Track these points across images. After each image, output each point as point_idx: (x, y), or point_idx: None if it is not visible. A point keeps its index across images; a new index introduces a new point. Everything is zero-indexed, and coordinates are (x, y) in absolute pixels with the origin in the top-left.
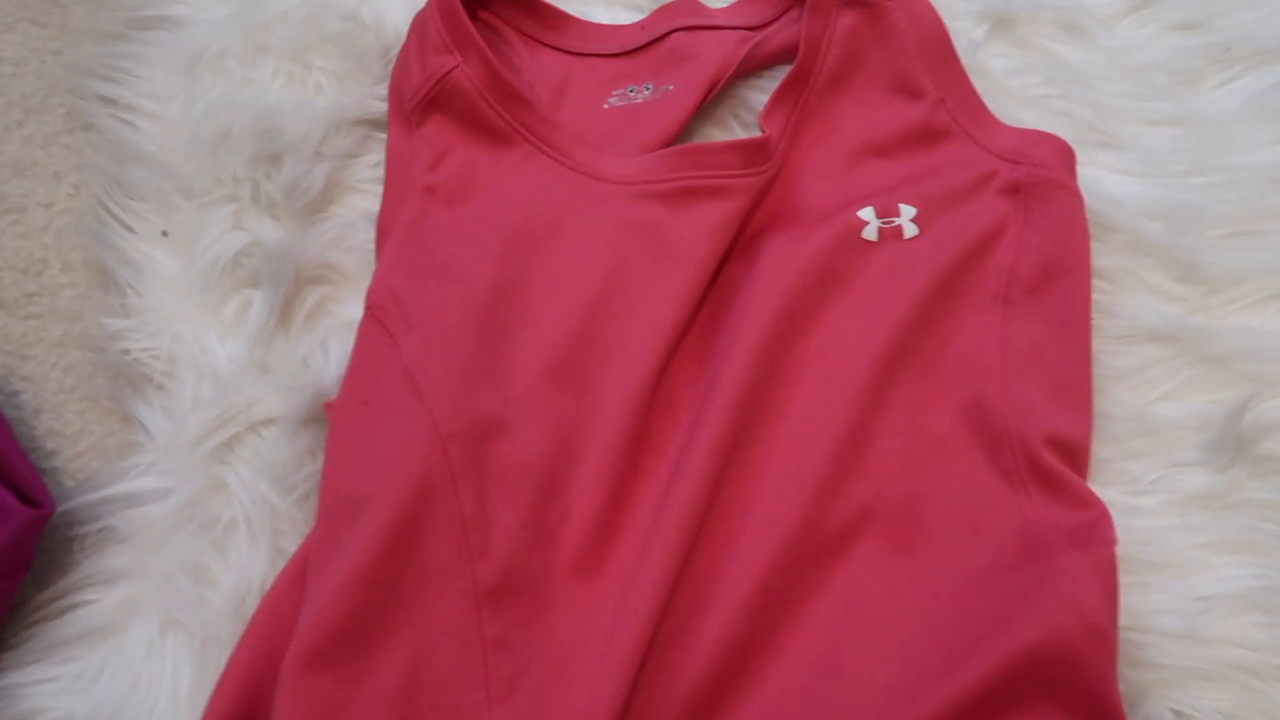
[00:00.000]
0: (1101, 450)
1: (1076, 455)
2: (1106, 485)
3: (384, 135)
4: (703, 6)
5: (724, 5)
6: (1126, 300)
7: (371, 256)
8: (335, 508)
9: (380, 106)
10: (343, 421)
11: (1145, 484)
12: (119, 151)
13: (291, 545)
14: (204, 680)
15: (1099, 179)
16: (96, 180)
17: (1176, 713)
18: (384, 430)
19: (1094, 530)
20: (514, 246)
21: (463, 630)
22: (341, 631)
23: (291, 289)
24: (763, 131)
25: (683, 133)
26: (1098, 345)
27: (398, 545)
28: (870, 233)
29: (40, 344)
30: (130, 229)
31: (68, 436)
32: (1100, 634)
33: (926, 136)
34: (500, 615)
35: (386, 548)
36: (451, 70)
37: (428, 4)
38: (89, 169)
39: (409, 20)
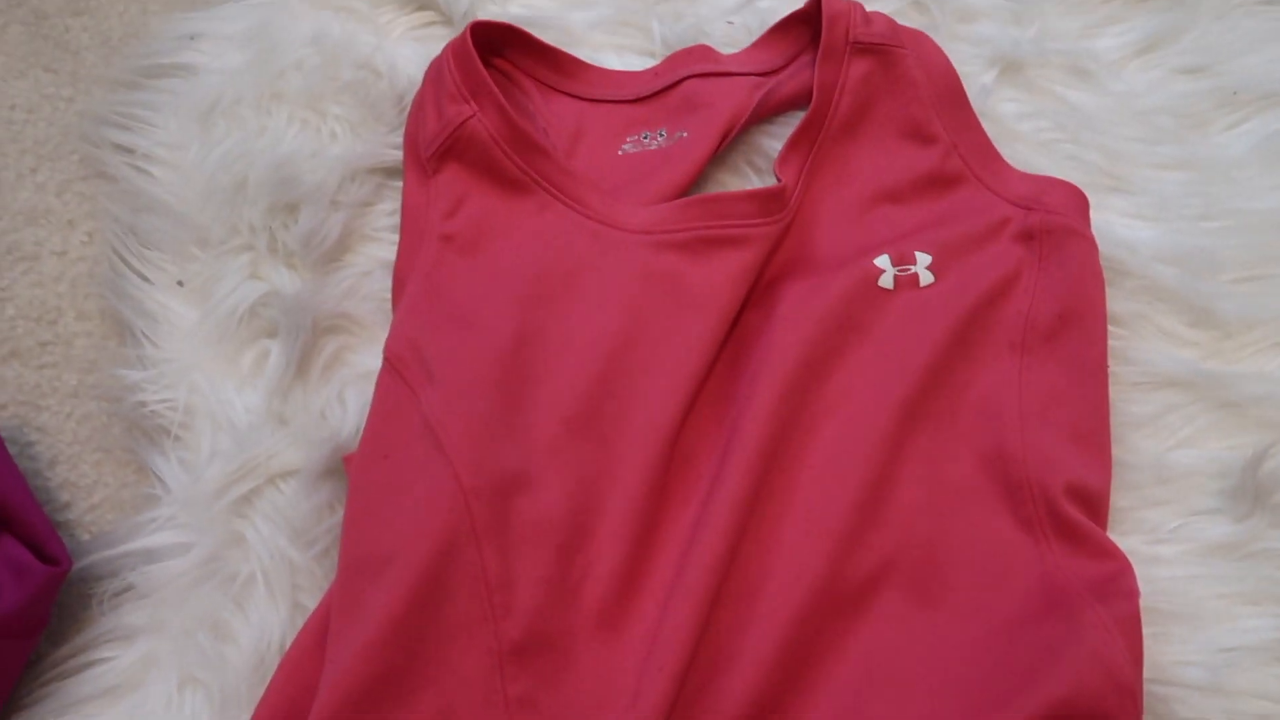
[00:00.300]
0: (1120, 498)
1: (1097, 505)
2: (1126, 534)
3: (399, 183)
4: (715, 53)
5: (735, 51)
6: (1141, 346)
7: (388, 305)
8: (357, 565)
9: (395, 154)
10: (363, 476)
11: (1165, 533)
12: (134, 200)
13: (310, 601)
14: None
15: (1111, 223)
16: (111, 229)
17: None
18: (405, 485)
19: (1117, 583)
20: (532, 296)
21: (486, 690)
22: (365, 693)
23: (309, 339)
24: (778, 179)
25: (698, 179)
26: (1114, 392)
27: (421, 604)
28: (886, 280)
29: (55, 394)
30: (146, 279)
31: (83, 488)
32: (1127, 691)
33: (940, 182)
34: (524, 674)
35: (410, 607)
36: (468, 119)
37: (443, 52)
38: (103, 217)
39: (422, 68)
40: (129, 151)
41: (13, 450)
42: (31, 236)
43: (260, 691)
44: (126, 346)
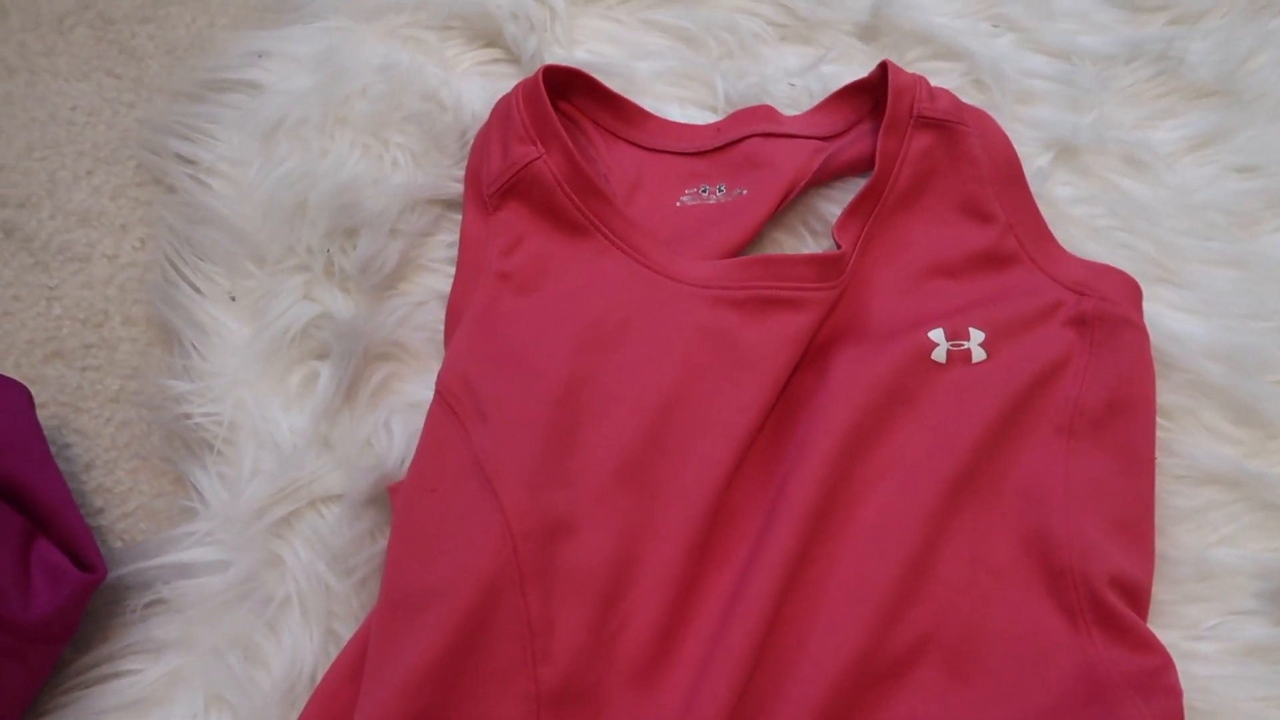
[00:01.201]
0: (1161, 592)
1: (1138, 597)
2: (1165, 629)
3: (457, 216)
4: (778, 114)
5: (796, 113)
6: (1186, 440)
7: (439, 337)
8: (399, 600)
9: (455, 187)
10: (409, 508)
11: (1204, 629)
12: (191, 212)
13: (345, 629)
14: None
15: (1160, 314)
16: (166, 238)
17: None
18: (452, 522)
19: (1160, 678)
20: (587, 341)
21: None
22: None
23: (359, 365)
24: (836, 244)
25: (755, 238)
26: (1158, 484)
27: (462, 645)
28: (940, 354)
29: (96, 397)
30: (198, 290)
31: (117, 495)
32: None
33: (994, 261)
34: None
35: (450, 647)
36: (533, 160)
37: (513, 91)
38: (158, 225)
39: (487, 104)
40: (190, 163)
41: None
42: (84, 238)
43: (289, 717)
44: (173, 356)
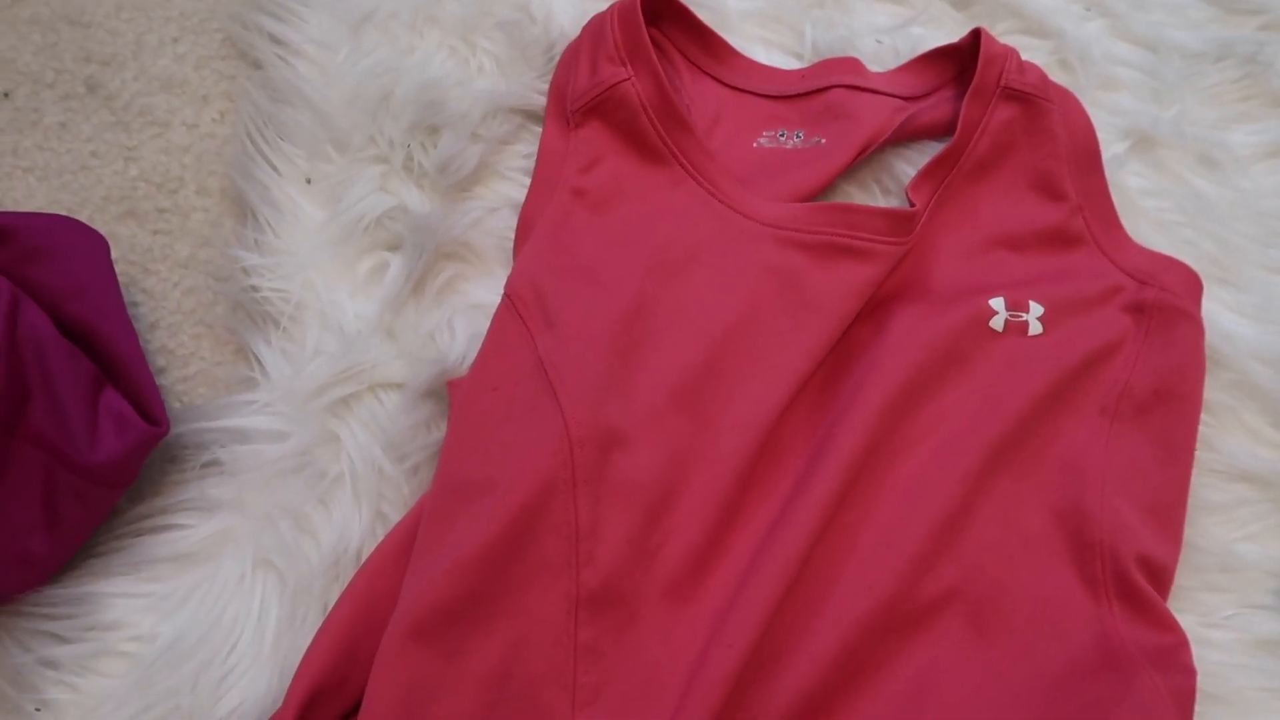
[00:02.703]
0: (1183, 577)
1: (1162, 579)
2: (1183, 612)
3: (537, 127)
4: (864, 68)
5: (881, 70)
6: (1225, 437)
7: (508, 243)
8: (454, 487)
9: (538, 100)
10: (469, 403)
11: (1219, 618)
12: (275, 90)
13: (394, 512)
14: (291, 628)
15: (1214, 313)
16: (248, 113)
17: None
18: (512, 421)
19: (1175, 656)
20: (655, 266)
21: (558, 631)
22: (448, 610)
23: (429, 261)
24: (910, 203)
25: (828, 188)
26: (1194, 476)
27: (513, 538)
28: (997, 323)
29: (166, 260)
30: (276, 169)
31: (179, 357)
32: None
33: (1061, 240)
34: (594, 623)
35: (502, 538)
36: (622, 82)
37: (608, 11)
38: (241, 99)
39: (576, 21)
40: (278, 41)
41: None
42: (165, 103)
43: (333, 590)
44: (246, 230)
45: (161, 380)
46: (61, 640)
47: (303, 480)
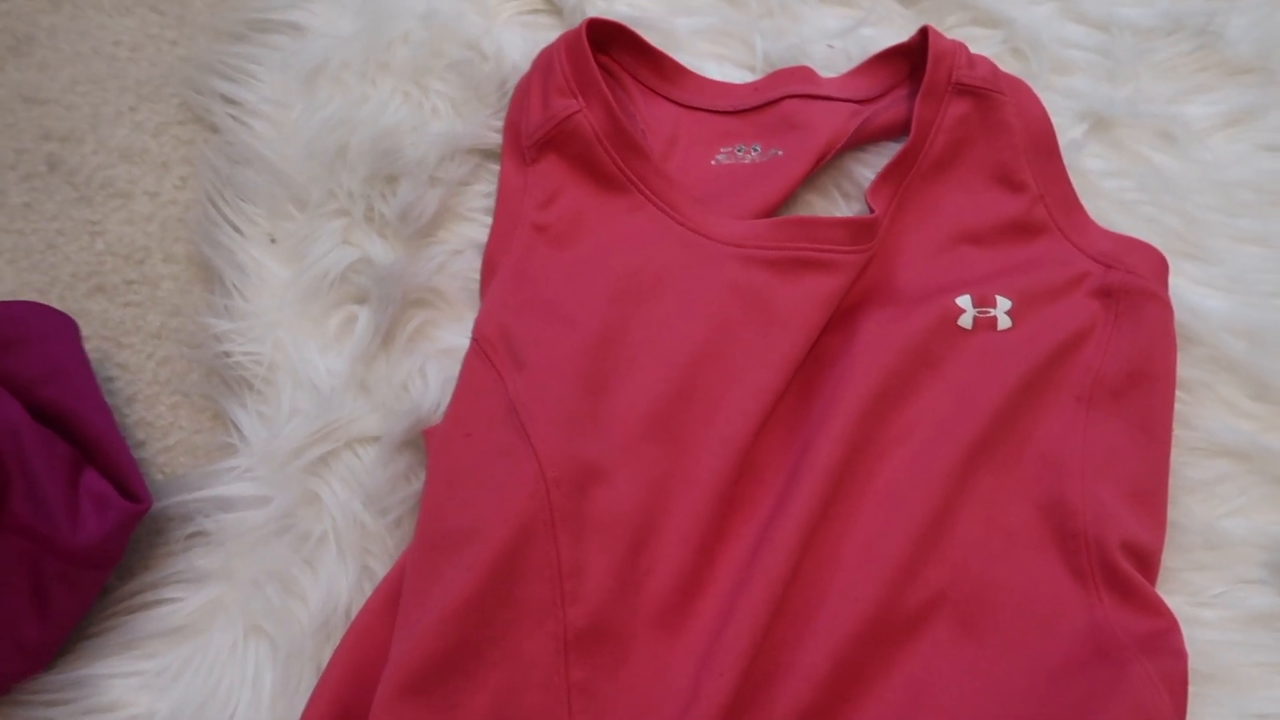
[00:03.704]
0: (1169, 559)
1: (1149, 563)
2: (1171, 594)
3: (495, 166)
4: (816, 76)
5: (833, 75)
6: (1203, 413)
7: (475, 285)
8: (435, 539)
9: (494, 137)
10: (444, 451)
11: (1209, 596)
12: (233, 151)
13: (380, 566)
14: (286, 692)
15: (1183, 289)
16: (208, 177)
17: None
18: (487, 466)
19: (1165, 640)
20: (621, 295)
21: (548, 673)
22: (436, 664)
23: (397, 310)
24: (870, 208)
25: (788, 199)
26: (1173, 455)
27: (495, 585)
28: (966, 320)
29: (138, 333)
30: (239, 231)
31: (158, 429)
32: None
33: (1023, 230)
34: (585, 661)
35: (485, 585)
36: (574, 114)
37: (555, 43)
38: (200, 164)
39: (527, 55)
40: (232, 103)
41: None
42: (126, 174)
43: (324, 650)
44: (214, 295)
45: (142, 453)
46: None
47: (287, 543)
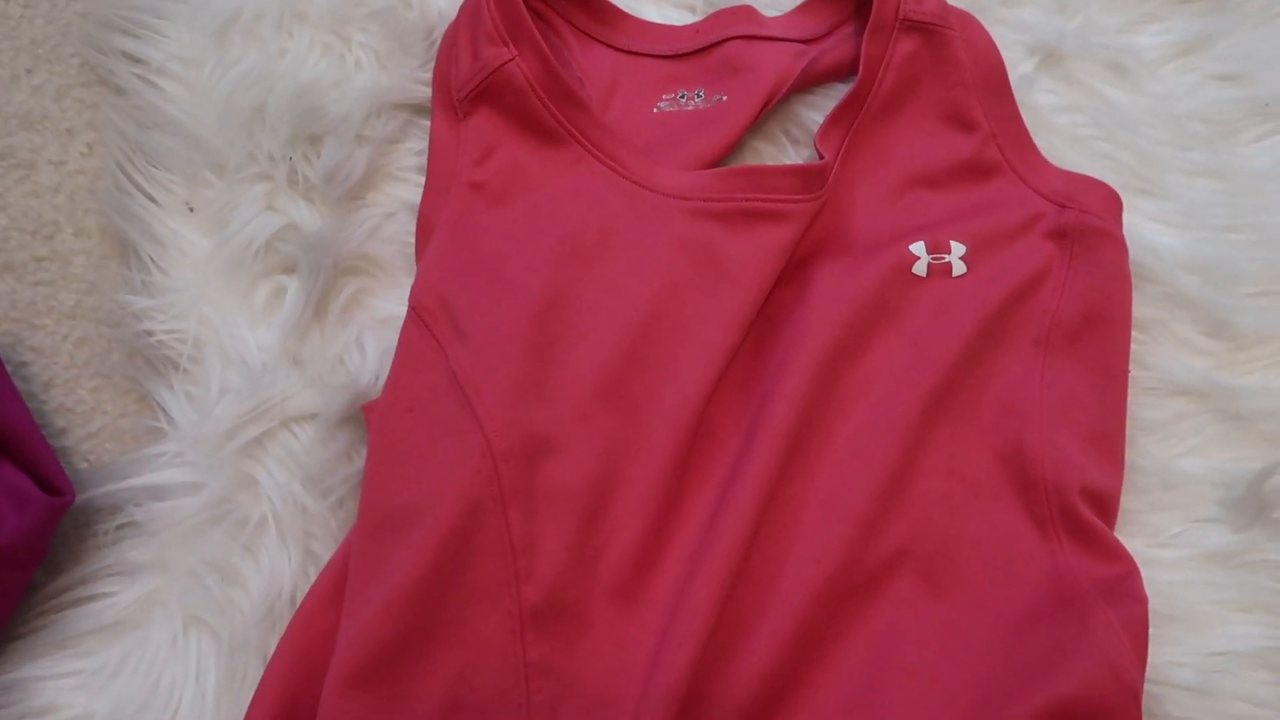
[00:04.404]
0: (1127, 501)
1: (1108, 507)
2: (1131, 536)
3: (425, 121)
4: (759, 15)
5: (778, 15)
6: (1158, 352)
7: (410, 249)
8: (379, 521)
9: (422, 91)
10: (385, 428)
11: (1167, 537)
12: (142, 115)
13: (323, 549)
14: (231, 685)
15: (1137, 226)
16: (116, 143)
17: None
18: (431, 442)
19: (1125, 586)
20: (564, 254)
21: (505, 652)
22: (385, 651)
23: (329, 279)
24: (819, 154)
25: (736, 146)
26: (1129, 395)
27: (444, 565)
28: (920, 268)
29: (51, 314)
30: (154, 200)
31: (79, 414)
32: (1130, 691)
33: (976, 171)
34: (542, 639)
35: (433, 567)
36: (505, 64)
37: None
38: (107, 129)
39: (453, 2)
40: (138, 61)
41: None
42: (27, 143)
43: (270, 640)
44: (131, 270)
45: (64, 441)
46: None
47: (224, 530)
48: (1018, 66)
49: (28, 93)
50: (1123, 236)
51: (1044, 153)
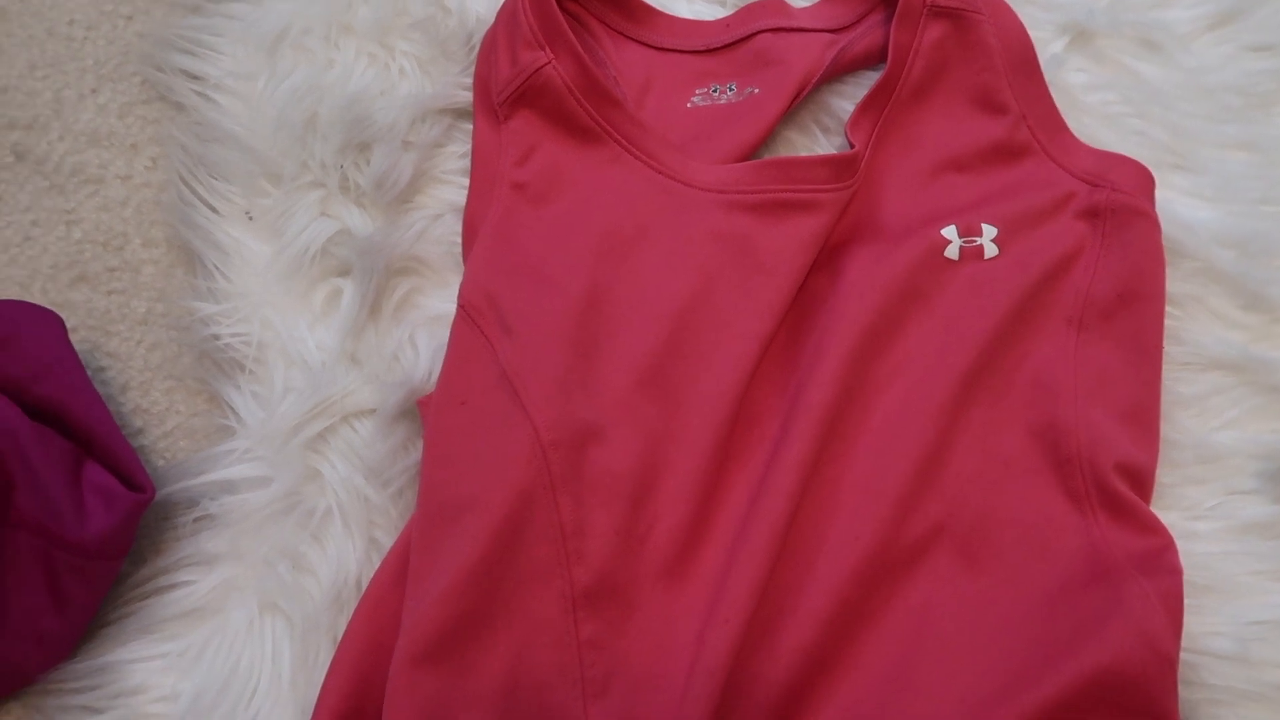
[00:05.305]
0: (1163, 475)
1: (1143, 482)
2: (1167, 509)
3: (467, 125)
4: (787, 7)
5: (807, 5)
6: (1193, 327)
7: (457, 249)
8: (437, 509)
9: (464, 96)
10: (440, 421)
11: (1203, 510)
12: (201, 129)
13: (386, 538)
14: (305, 667)
15: (1172, 202)
16: (178, 157)
17: None
18: (484, 434)
19: (1161, 558)
20: (604, 251)
21: (559, 631)
22: (447, 631)
23: (381, 280)
24: (850, 143)
25: (768, 138)
26: (1164, 371)
27: (500, 550)
28: (952, 251)
29: (124, 320)
30: (215, 210)
31: (155, 415)
32: (1168, 661)
33: (1007, 153)
34: (594, 617)
35: (489, 552)
36: (543, 66)
37: None
38: (169, 144)
39: (491, 7)
40: (195, 78)
41: None
42: (95, 159)
43: (339, 622)
44: (196, 278)
45: (141, 440)
46: (92, 711)
47: (293, 520)
48: (1047, 46)
49: (94, 111)
50: (1155, 213)
51: (1076, 132)
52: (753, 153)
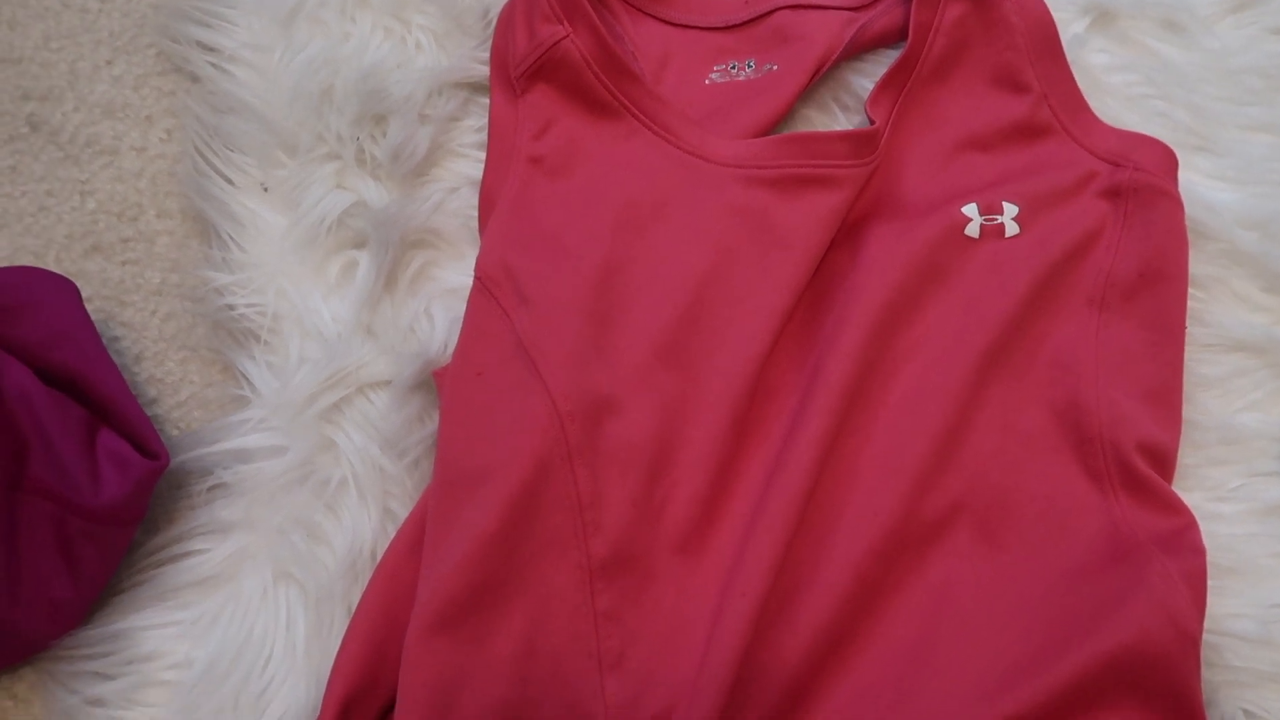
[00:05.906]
0: (1186, 456)
1: (1165, 462)
2: (1189, 491)
3: (484, 99)
4: None
5: None
6: (1216, 309)
7: (473, 223)
8: (453, 479)
9: (480, 69)
10: (457, 392)
11: (1226, 491)
12: (217, 101)
13: (401, 509)
14: (319, 635)
15: (1194, 184)
16: (194, 128)
17: (1248, 713)
18: (500, 404)
19: (1184, 538)
20: (622, 224)
21: (575, 601)
22: (463, 599)
23: (397, 253)
24: (870, 120)
25: (786, 115)
26: (1187, 352)
27: (516, 519)
28: (973, 229)
29: (139, 290)
30: (230, 181)
31: (169, 384)
32: (1190, 640)
33: (1028, 133)
34: (610, 588)
35: (506, 521)
36: (561, 40)
37: None
38: (184, 115)
39: None
40: (211, 50)
41: None
42: (110, 130)
43: (354, 591)
44: (211, 248)
45: (155, 410)
46: (104, 678)
47: (308, 490)
48: (1069, 27)
49: (109, 83)
50: (1178, 193)
51: (1098, 113)
52: (770, 130)
